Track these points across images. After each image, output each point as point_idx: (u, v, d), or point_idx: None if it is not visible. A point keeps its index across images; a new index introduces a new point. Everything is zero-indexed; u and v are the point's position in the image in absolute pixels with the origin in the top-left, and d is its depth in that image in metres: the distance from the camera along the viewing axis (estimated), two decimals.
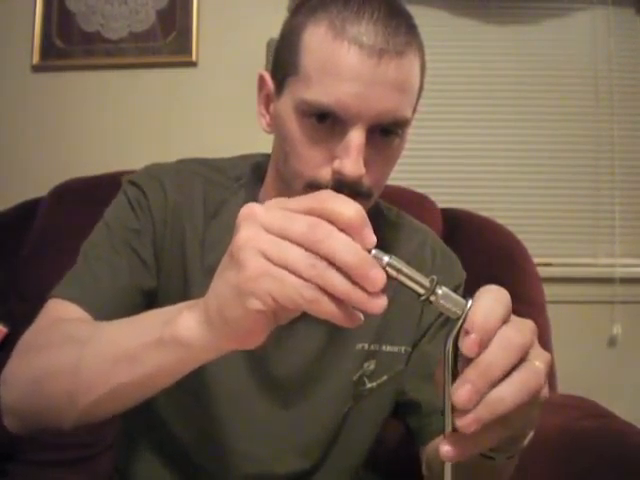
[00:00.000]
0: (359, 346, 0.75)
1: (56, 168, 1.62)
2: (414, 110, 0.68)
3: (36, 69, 1.79)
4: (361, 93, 0.59)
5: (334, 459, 0.77)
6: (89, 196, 1.40)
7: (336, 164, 0.61)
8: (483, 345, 0.38)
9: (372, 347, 0.75)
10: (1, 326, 1.26)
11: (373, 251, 0.39)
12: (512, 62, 1.85)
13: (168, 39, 1.78)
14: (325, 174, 0.62)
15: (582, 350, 1.72)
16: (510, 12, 1.85)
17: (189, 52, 1.77)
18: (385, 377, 0.76)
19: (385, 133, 0.63)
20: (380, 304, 0.38)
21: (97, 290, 0.66)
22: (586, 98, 1.84)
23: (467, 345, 0.38)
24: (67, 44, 1.78)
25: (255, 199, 0.74)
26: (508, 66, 1.85)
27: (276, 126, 0.68)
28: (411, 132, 0.72)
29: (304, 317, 0.72)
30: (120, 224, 0.71)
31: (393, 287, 0.68)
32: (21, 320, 1.31)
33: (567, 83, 1.84)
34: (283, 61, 0.66)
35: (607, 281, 1.78)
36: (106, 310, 0.64)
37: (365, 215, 0.40)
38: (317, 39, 0.62)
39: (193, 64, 1.78)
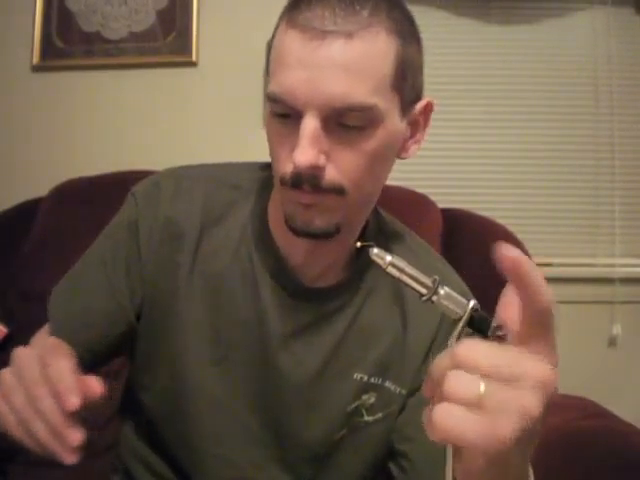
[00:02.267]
0: (356, 376, 0.73)
1: (56, 168, 1.62)
2: (404, 104, 0.64)
3: (36, 69, 1.79)
4: (307, 78, 0.57)
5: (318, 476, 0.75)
6: (89, 196, 1.40)
7: (292, 156, 0.60)
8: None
9: (373, 380, 0.73)
10: (1, 326, 1.26)
11: (375, 250, 0.39)
12: (512, 62, 1.85)
13: (168, 39, 1.78)
14: (287, 169, 0.61)
15: (582, 350, 1.72)
16: (510, 12, 1.85)
17: (189, 52, 1.77)
18: (380, 414, 0.74)
19: (347, 127, 0.60)
20: (70, 459, 0.52)
21: (71, 320, 0.71)
22: (586, 98, 1.84)
23: None
24: (67, 44, 1.78)
25: (264, 206, 0.73)
26: (508, 66, 1.85)
27: None
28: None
29: (302, 339, 0.70)
30: (108, 247, 0.74)
31: (400, 322, 0.70)
32: (21, 320, 1.31)
33: (567, 83, 1.84)
34: (267, 69, 0.67)
35: (607, 281, 1.77)
36: (77, 339, 0.68)
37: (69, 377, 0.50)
38: (277, 35, 0.63)
39: (193, 64, 1.78)
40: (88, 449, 1.27)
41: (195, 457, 0.73)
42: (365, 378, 0.73)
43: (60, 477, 1.15)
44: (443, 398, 0.38)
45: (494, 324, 0.41)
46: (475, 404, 0.37)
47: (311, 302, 0.72)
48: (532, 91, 1.84)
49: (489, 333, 0.41)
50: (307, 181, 0.60)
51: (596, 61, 1.84)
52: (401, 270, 0.40)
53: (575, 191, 1.84)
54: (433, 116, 0.72)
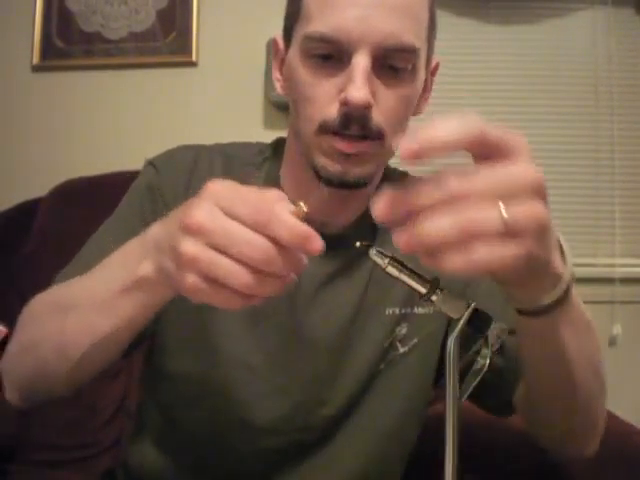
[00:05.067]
0: (389, 311, 0.73)
1: (56, 168, 1.62)
2: (429, 56, 0.66)
3: (36, 69, 1.79)
4: (360, 16, 0.58)
5: (357, 423, 0.74)
6: (89, 196, 1.40)
7: (342, 95, 0.59)
8: (420, 155, 0.37)
9: (404, 310, 0.73)
10: (1, 326, 1.26)
11: (373, 250, 0.39)
12: (512, 62, 1.85)
13: (168, 39, 1.78)
14: (332, 111, 0.60)
15: None
16: (510, 12, 1.85)
17: (189, 52, 1.77)
18: (416, 339, 0.74)
19: (394, 69, 0.61)
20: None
21: None
22: (586, 98, 1.84)
23: (401, 148, 0.36)
24: (67, 44, 1.78)
25: (276, 173, 0.74)
26: (508, 66, 1.85)
27: (287, 82, 0.67)
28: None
29: (332, 288, 0.71)
30: (130, 210, 0.72)
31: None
32: None
33: (567, 83, 1.84)
34: (289, 14, 0.66)
35: (607, 281, 1.78)
36: None
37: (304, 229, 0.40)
38: None
39: (193, 64, 1.78)
40: (88, 449, 1.26)
41: (240, 433, 0.72)
42: (397, 311, 0.73)
43: (61, 477, 1.15)
44: (468, 238, 0.35)
45: (495, 324, 0.41)
46: (501, 232, 0.35)
47: (335, 249, 0.70)
48: (532, 91, 1.84)
49: (487, 332, 0.41)
50: (357, 121, 0.59)
51: (596, 61, 1.84)
52: (400, 270, 0.40)
53: (575, 191, 1.84)
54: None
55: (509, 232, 0.35)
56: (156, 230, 0.50)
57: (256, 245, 0.40)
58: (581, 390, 0.58)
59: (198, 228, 0.41)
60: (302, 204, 0.40)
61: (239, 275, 0.41)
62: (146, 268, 0.49)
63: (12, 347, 0.65)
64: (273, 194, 0.42)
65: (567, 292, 0.47)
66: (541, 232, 0.37)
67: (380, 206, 0.36)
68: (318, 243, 0.40)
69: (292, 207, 0.41)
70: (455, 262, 0.35)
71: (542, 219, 0.37)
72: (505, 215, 0.35)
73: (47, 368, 0.61)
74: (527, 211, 0.36)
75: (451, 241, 0.35)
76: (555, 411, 0.64)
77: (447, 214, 0.35)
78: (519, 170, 0.37)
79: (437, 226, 0.35)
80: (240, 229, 0.41)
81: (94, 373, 0.62)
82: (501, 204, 0.35)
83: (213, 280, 0.41)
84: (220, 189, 0.43)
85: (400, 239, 0.36)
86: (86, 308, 0.56)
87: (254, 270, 0.41)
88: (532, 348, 0.57)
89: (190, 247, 0.41)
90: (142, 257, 0.50)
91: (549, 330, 0.51)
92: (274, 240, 0.40)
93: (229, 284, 0.41)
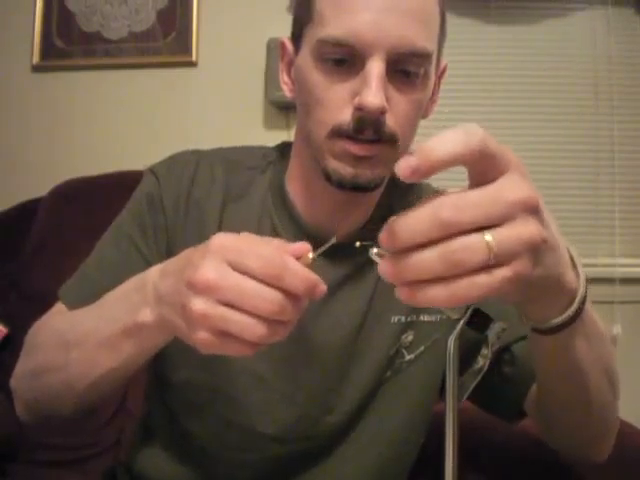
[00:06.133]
0: (394, 319, 0.73)
1: (56, 168, 1.63)
2: (438, 58, 0.66)
3: (36, 69, 1.79)
4: (375, 20, 0.58)
5: (362, 431, 0.74)
6: (89, 196, 1.40)
7: (356, 100, 0.59)
8: (420, 174, 0.34)
9: (409, 318, 0.73)
10: (1, 326, 1.26)
11: (374, 250, 0.39)
12: (512, 62, 1.85)
13: (168, 39, 1.78)
14: (346, 115, 0.60)
15: None
16: (510, 12, 1.85)
17: (189, 52, 1.77)
18: (422, 347, 0.74)
19: (406, 74, 0.61)
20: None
21: (92, 297, 0.66)
22: (586, 98, 1.84)
23: (400, 168, 0.34)
24: (67, 44, 1.79)
25: (281, 177, 0.73)
26: (508, 66, 1.85)
27: (297, 85, 0.66)
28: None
29: (338, 297, 0.71)
30: (130, 220, 0.72)
31: None
32: (21, 320, 1.32)
33: (567, 83, 1.85)
34: (298, 16, 0.65)
35: (607, 281, 1.77)
36: None
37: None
38: None
39: (193, 64, 1.79)
40: (88, 449, 1.26)
41: (246, 441, 0.72)
42: (402, 319, 0.73)
43: (61, 477, 1.15)
44: (453, 270, 0.34)
45: (495, 325, 0.41)
46: (488, 262, 0.35)
47: (340, 258, 0.70)
48: (532, 91, 1.84)
49: (488, 332, 0.41)
50: (371, 126, 0.59)
51: (596, 61, 1.85)
52: None
53: (575, 191, 1.84)
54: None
55: (497, 261, 0.35)
56: (157, 279, 0.51)
57: (269, 298, 0.43)
58: (596, 400, 0.59)
59: (207, 286, 0.43)
60: (309, 254, 0.44)
61: (254, 328, 0.43)
62: (146, 316, 0.51)
63: (20, 368, 0.67)
64: (278, 243, 0.45)
65: (582, 307, 0.46)
66: (534, 251, 0.37)
67: (383, 236, 0.36)
68: (323, 288, 0.45)
69: (294, 246, 0.45)
70: (437, 295, 0.35)
71: (533, 238, 0.36)
72: (492, 243, 0.34)
73: (54, 395, 0.63)
74: (516, 233, 0.36)
75: (436, 274, 0.35)
76: (569, 420, 0.65)
77: (434, 247, 0.35)
78: (511, 188, 0.36)
79: (423, 259, 0.35)
80: (252, 284, 0.43)
81: (101, 400, 0.64)
82: (488, 235, 0.35)
83: (225, 334, 0.44)
84: (225, 243, 0.45)
85: (385, 268, 0.36)
86: (89, 346, 0.58)
87: (266, 321, 0.43)
88: (546, 363, 0.57)
89: (200, 305, 0.43)
90: (142, 303, 0.52)
91: (563, 346, 0.51)
92: (285, 291, 0.43)
93: (243, 337, 0.43)
